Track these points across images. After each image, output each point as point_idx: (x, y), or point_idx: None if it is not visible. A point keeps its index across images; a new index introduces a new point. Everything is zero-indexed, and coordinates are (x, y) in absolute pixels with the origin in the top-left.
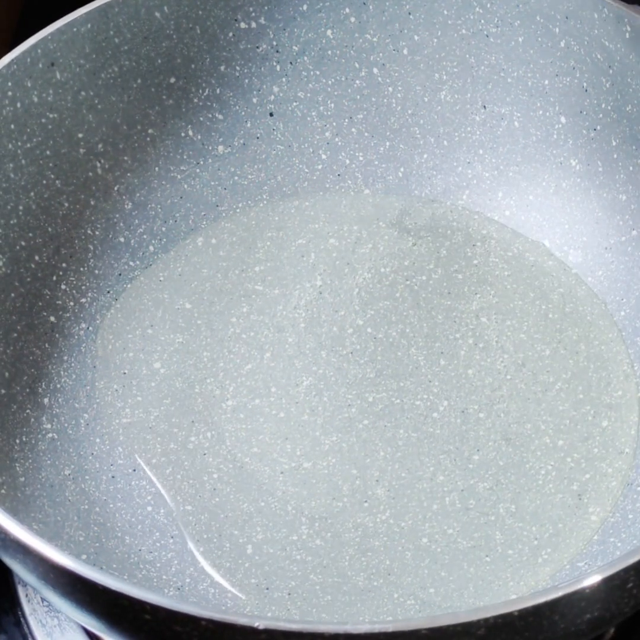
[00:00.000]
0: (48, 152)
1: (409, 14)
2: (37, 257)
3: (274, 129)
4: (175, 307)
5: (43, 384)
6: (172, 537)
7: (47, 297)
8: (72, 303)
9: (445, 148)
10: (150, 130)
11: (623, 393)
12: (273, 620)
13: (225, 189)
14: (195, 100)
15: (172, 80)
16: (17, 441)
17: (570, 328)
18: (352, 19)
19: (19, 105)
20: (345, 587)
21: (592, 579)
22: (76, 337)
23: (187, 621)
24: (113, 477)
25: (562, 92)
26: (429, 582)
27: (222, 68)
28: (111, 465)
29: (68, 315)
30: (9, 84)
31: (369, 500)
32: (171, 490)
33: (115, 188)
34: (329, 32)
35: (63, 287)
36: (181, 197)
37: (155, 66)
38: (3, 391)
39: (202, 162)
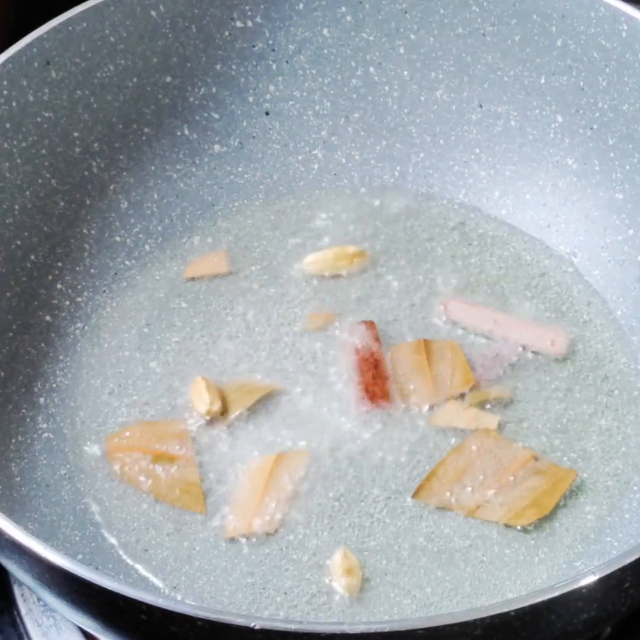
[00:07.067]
0: (44, 151)
1: (405, 12)
2: (32, 256)
3: (270, 128)
4: (171, 306)
5: (39, 383)
6: (168, 536)
7: (43, 296)
8: (67, 302)
9: (441, 147)
10: (146, 129)
11: (620, 392)
12: (269, 621)
13: (221, 188)
14: (191, 99)
15: (168, 79)
16: (13, 441)
17: (567, 327)
18: (348, 18)
19: (14, 104)
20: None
21: (589, 579)
22: (72, 336)
23: (183, 621)
24: (108, 475)
25: (558, 90)
26: (425, 582)
27: (218, 67)
28: (107, 464)
29: (64, 314)
30: (5, 82)
31: (365, 499)
32: None
33: (111, 187)
34: (325, 30)
35: (59, 286)
36: (177, 196)
37: (151, 65)
38: None
39: (198, 161)
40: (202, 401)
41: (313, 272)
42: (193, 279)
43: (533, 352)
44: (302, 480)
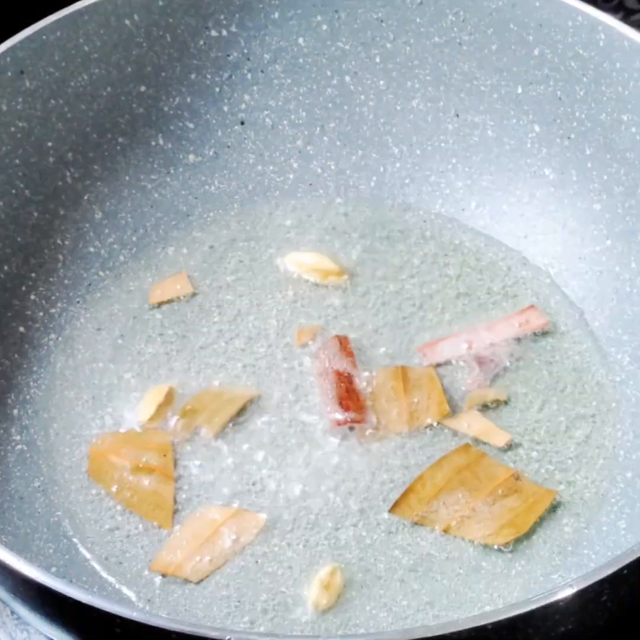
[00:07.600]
0: (17, 161)
1: (381, 21)
2: (6, 267)
3: (245, 138)
4: (145, 317)
5: (12, 394)
6: (142, 548)
7: (16, 307)
8: (41, 313)
9: (418, 157)
10: (120, 139)
11: (597, 404)
12: (244, 634)
13: (196, 198)
14: (166, 108)
15: (143, 88)
16: None
17: (545, 338)
18: (324, 27)
19: None
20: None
21: (566, 592)
22: (46, 347)
23: (158, 635)
24: (83, 488)
25: (535, 100)
26: (401, 595)
27: (193, 76)
28: (81, 476)
29: (37, 325)
30: None
31: (341, 512)
32: None
33: (85, 197)
34: (300, 39)
35: (32, 297)
36: (151, 206)
37: (125, 74)
38: None
39: (172, 171)
40: (146, 411)
41: (293, 270)
42: (159, 304)
43: (536, 334)
44: (247, 545)
